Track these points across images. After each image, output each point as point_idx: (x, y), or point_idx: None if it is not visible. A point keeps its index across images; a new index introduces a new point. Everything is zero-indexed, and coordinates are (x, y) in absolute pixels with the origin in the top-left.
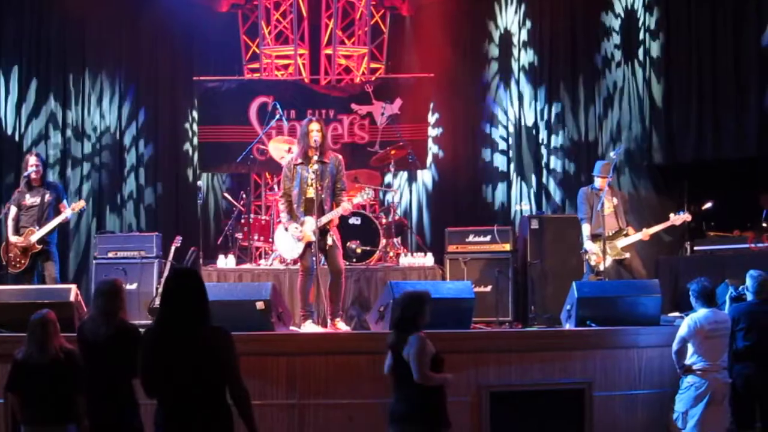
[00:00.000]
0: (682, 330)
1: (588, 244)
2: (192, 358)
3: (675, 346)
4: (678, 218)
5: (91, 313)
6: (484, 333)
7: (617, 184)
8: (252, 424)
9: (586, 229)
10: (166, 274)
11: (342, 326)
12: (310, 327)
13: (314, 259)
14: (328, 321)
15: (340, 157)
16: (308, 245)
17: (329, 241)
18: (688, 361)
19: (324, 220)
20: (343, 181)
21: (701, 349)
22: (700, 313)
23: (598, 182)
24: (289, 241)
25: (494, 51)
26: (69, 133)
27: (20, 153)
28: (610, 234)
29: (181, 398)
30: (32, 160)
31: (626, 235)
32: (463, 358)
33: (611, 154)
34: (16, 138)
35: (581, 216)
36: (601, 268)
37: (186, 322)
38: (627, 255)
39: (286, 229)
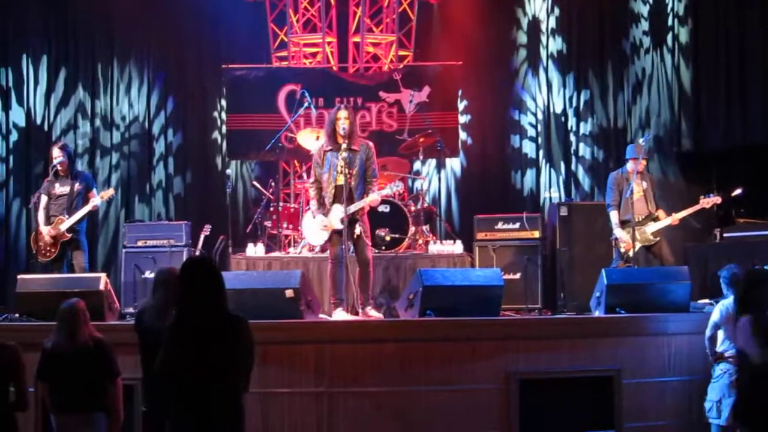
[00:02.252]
0: (715, 316)
1: (617, 231)
2: (216, 349)
3: (708, 332)
4: (708, 201)
5: (150, 302)
6: (513, 320)
7: (646, 169)
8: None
9: (614, 216)
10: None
11: (374, 314)
12: (340, 315)
13: (344, 247)
14: (359, 310)
15: (371, 144)
16: (336, 233)
17: (357, 231)
18: (719, 349)
19: (352, 208)
20: (374, 168)
21: (733, 335)
22: (731, 299)
23: (630, 165)
24: (315, 227)
25: (522, 38)
26: (98, 122)
27: (49, 142)
28: (640, 219)
29: (200, 391)
30: (56, 152)
31: (656, 219)
32: (492, 346)
33: (640, 140)
34: (45, 128)
35: (608, 202)
36: (630, 254)
37: (207, 312)
38: (657, 239)
39: (314, 217)
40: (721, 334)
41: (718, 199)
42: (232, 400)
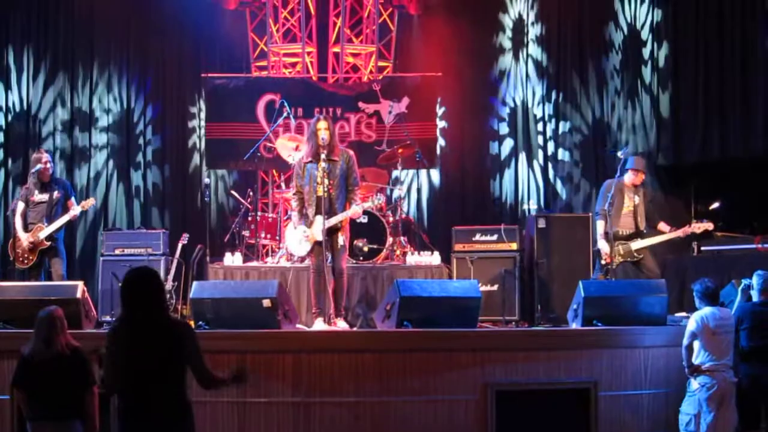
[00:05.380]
0: (691, 325)
1: (601, 243)
2: (157, 349)
3: (685, 341)
4: (699, 226)
5: None
6: (491, 332)
7: (643, 183)
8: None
9: (600, 225)
10: (125, 274)
11: (342, 325)
12: (319, 325)
13: (321, 258)
14: (330, 320)
15: (352, 152)
16: (318, 244)
17: (340, 241)
18: (696, 361)
19: (332, 221)
20: (356, 177)
21: (709, 346)
22: (706, 310)
23: (631, 177)
24: (298, 238)
25: (502, 48)
26: (77, 128)
27: (28, 147)
28: (625, 234)
29: (144, 391)
30: (44, 157)
31: (642, 236)
32: (469, 357)
33: (619, 153)
34: (26, 132)
35: (596, 210)
36: (612, 267)
37: (149, 316)
38: (640, 257)
39: (295, 228)
40: (696, 345)
41: (710, 225)
42: (176, 399)
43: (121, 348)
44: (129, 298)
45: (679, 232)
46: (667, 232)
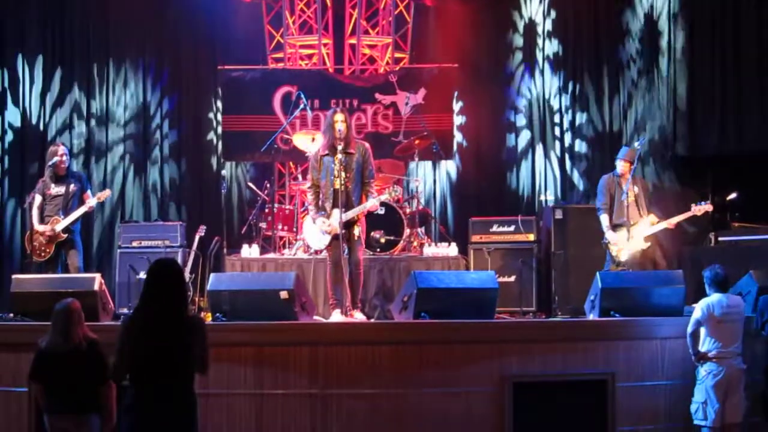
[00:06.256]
0: (696, 313)
1: (609, 235)
2: (171, 343)
3: (690, 328)
4: (699, 208)
5: None
6: (508, 323)
7: (641, 173)
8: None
9: (604, 219)
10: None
11: (359, 316)
12: (336, 317)
13: (342, 250)
14: (347, 312)
15: (367, 145)
16: (335, 236)
17: (356, 233)
18: (702, 348)
19: (350, 214)
20: (372, 169)
21: (715, 333)
22: (714, 297)
23: (621, 166)
24: (316, 232)
25: (518, 40)
26: (93, 122)
27: (44, 143)
28: (630, 224)
29: (156, 383)
30: (60, 150)
31: (648, 225)
32: (486, 348)
33: (635, 144)
34: (41, 128)
35: (598, 206)
36: (623, 258)
37: (167, 309)
38: (648, 245)
39: (314, 222)
40: (703, 332)
41: (709, 207)
42: (185, 394)
43: (135, 338)
44: (151, 289)
45: (681, 217)
46: (657, 223)
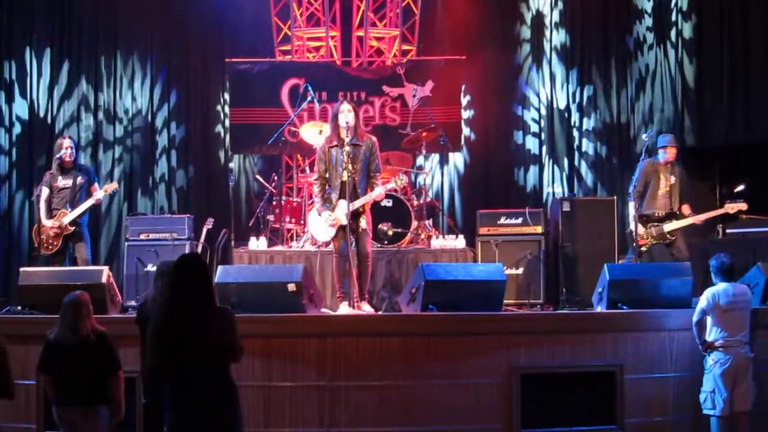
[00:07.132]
0: (702, 302)
1: (634, 226)
2: (203, 339)
3: (695, 317)
4: (733, 206)
5: (152, 294)
6: (516, 315)
7: (677, 162)
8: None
9: (632, 207)
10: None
11: (367, 308)
12: (344, 309)
13: (348, 242)
14: (355, 304)
15: (374, 138)
16: (342, 228)
17: (362, 224)
18: (709, 338)
19: (356, 204)
20: (378, 163)
21: (721, 322)
22: (720, 286)
23: (670, 153)
24: (322, 224)
25: (526, 33)
26: (101, 115)
27: (52, 135)
28: (661, 215)
29: (191, 378)
30: (66, 142)
31: (677, 218)
32: (494, 340)
33: (643, 136)
34: (48, 120)
35: (630, 191)
36: (643, 250)
37: (195, 305)
38: (673, 238)
39: (320, 214)
40: (709, 321)
41: (744, 206)
42: (223, 380)
43: (167, 337)
44: (177, 285)
45: (713, 213)
46: (687, 216)
